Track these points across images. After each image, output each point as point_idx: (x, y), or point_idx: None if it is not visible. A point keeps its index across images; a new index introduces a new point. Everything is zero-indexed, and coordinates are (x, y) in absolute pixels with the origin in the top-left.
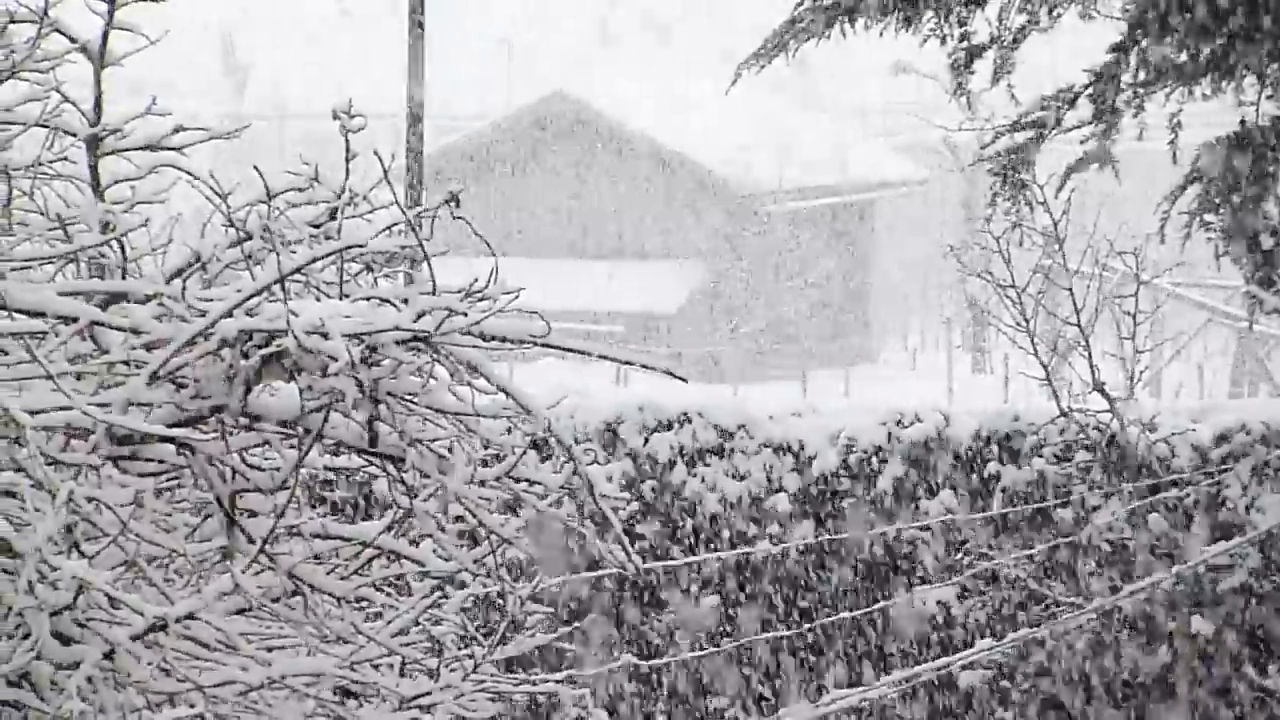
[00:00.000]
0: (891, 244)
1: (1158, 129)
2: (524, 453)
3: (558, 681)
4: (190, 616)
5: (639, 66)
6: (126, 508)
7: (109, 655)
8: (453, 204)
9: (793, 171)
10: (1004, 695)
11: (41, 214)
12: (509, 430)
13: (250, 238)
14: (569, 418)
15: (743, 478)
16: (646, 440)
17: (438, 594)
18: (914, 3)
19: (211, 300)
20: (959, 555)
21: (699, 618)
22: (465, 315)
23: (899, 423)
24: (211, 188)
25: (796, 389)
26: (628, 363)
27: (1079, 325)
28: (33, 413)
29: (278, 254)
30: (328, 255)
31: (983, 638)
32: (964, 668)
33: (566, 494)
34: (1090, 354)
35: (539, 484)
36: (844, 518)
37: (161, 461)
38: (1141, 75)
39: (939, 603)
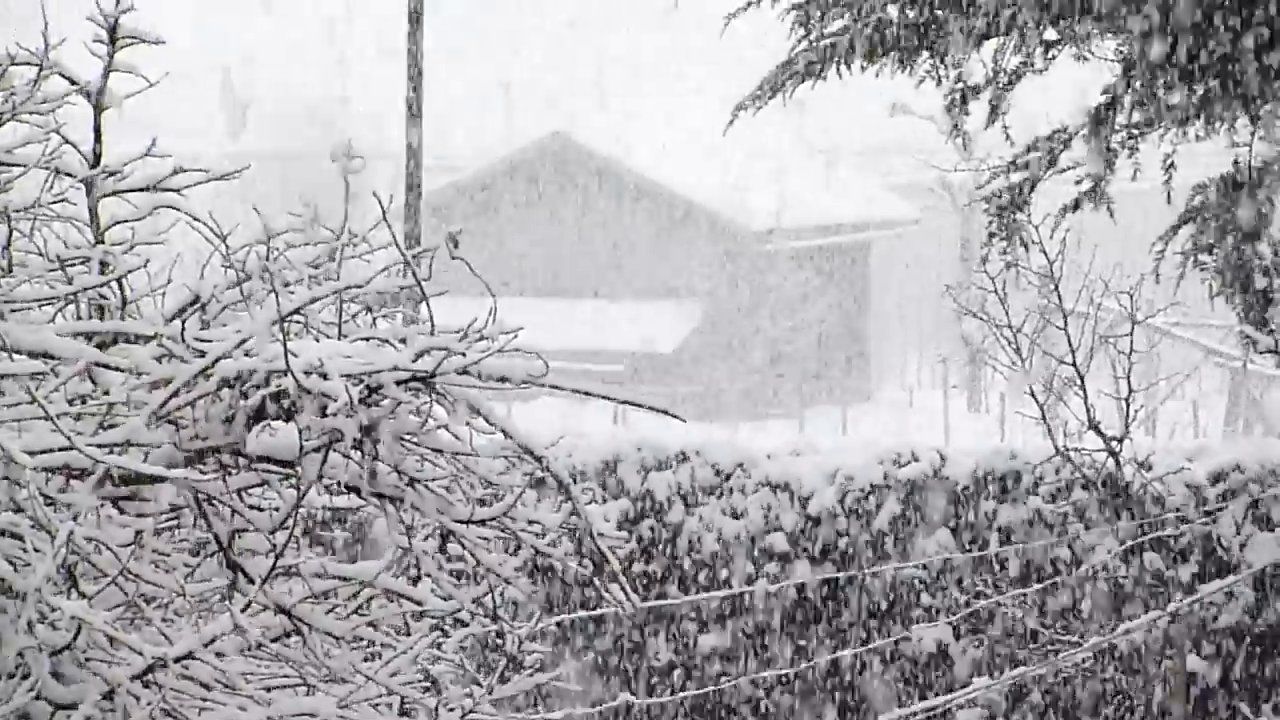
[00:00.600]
0: (888, 283)
1: (1152, 169)
2: (522, 492)
3: None
4: (189, 656)
5: (636, 103)
6: (126, 548)
7: (108, 695)
8: (451, 244)
9: (790, 210)
10: None
11: (41, 255)
12: (507, 469)
13: (249, 278)
14: (567, 457)
15: (740, 516)
16: (645, 479)
17: (436, 633)
18: (910, 44)
19: (211, 341)
20: (955, 594)
21: (697, 656)
22: (464, 355)
23: (896, 461)
24: (211, 228)
25: (794, 427)
26: (626, 402)
27: (1074, 364)
28: (33, 453)
29: (276, 295)
30: (326, 296)
31: (979, 676)
32: (961, 706)
33: (565, 533)
34: (1085, 393)
35: (538, 523)
36: (841, 556)
37: (160, 501)
38: (1135, 116)
39: (936, 641)
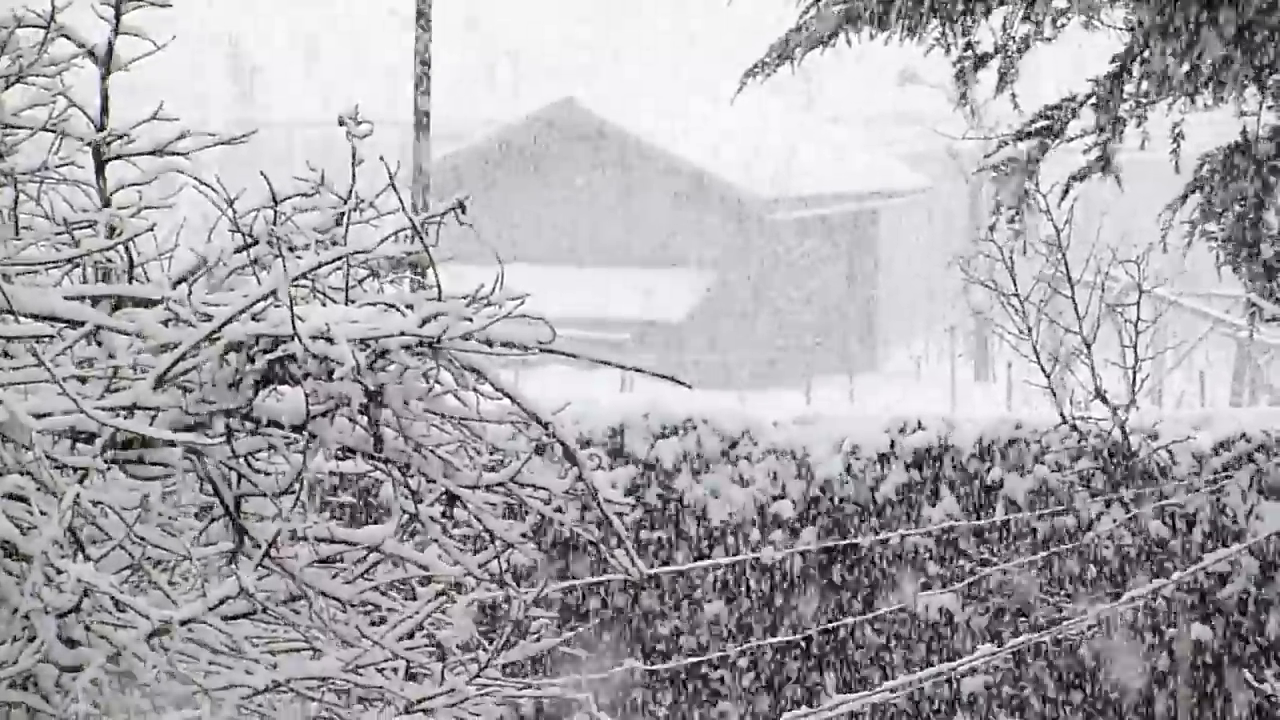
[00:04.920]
0: (896, 252)
1: (1160, 138)
2: (529, 458)
3: (563, 686)
4: (195, 620)
5: (646, 71)
6: (132, 511)
7: (114, 658)
8: (459, 210)
9: (799, 179)
10: (1005, 701)
11: (48, 218)
12: (514, 436)
13: (257, 243)
14: (574, 424)
15: (747, 484)
16: (652, 447)
17: (443, 598)
18: (919, 11)
19: (218, 305)
20: (961, 562)
21: (704, 623)
22: (471, 321)
23: (902, 430)
24: (218, 193)
25: (801, 396)
26: (633, 369)
27: (1081, 334)
28: (39, 416)
29: (284, 259)
30: (334, 261)
31: (984, 643)
32: (966, 674)
33: (572, 499)
34: (1092, 362)
35: (544, 489)
36: (848, 524)
37: (167, 465)
38: (1144, 85)
39: (941, 609)
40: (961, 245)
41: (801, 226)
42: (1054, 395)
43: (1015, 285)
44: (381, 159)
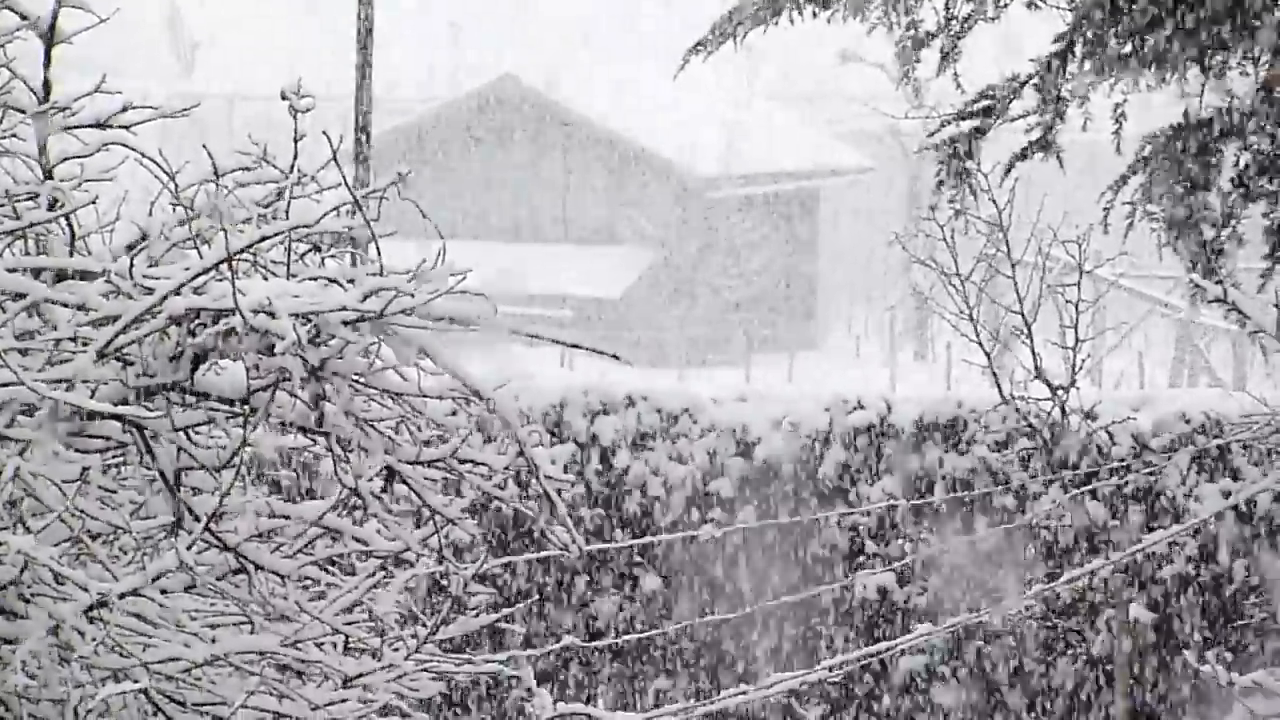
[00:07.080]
0: (837, 231)
1: (1103, 119)
2: (469, 434)
3: (500, 661)
4: (134, 593)
5: (586, 48)
6: (72, 484)
7: (53, 631)
8: (400, 186)
9: (740, 158)
10: (943, 681)
11: None
12: (455, 411)
13: (198, 216)
14: (514, 400)
15: (686, 461)
16: (591, 423)
17: (381, 574)
18: None
19: (159, 278)
20: (900, 541)
21: (641, 599)
22: (412, 296)
23: (842, 408)
24: (160, 166)
25: (741, 374)
26: (573, 345)
27: (1022, 314)
28: None
29: (225, 233)
30: (275, 235)
31: (921, 623)
32: (903, 653)
33: (511, 476)
34: (1032, 342)
35: (484, 465)
36: (786, 502)
37: (108, 438)
38: (1087, 65)
39: (879, 588)
40: (902, 224)
41: (742, 205)
42: (994, 375)
43: (956, 265)
44: (324, 133)
